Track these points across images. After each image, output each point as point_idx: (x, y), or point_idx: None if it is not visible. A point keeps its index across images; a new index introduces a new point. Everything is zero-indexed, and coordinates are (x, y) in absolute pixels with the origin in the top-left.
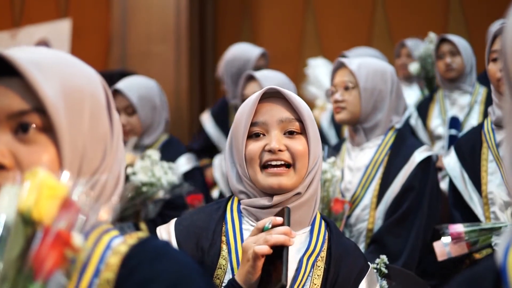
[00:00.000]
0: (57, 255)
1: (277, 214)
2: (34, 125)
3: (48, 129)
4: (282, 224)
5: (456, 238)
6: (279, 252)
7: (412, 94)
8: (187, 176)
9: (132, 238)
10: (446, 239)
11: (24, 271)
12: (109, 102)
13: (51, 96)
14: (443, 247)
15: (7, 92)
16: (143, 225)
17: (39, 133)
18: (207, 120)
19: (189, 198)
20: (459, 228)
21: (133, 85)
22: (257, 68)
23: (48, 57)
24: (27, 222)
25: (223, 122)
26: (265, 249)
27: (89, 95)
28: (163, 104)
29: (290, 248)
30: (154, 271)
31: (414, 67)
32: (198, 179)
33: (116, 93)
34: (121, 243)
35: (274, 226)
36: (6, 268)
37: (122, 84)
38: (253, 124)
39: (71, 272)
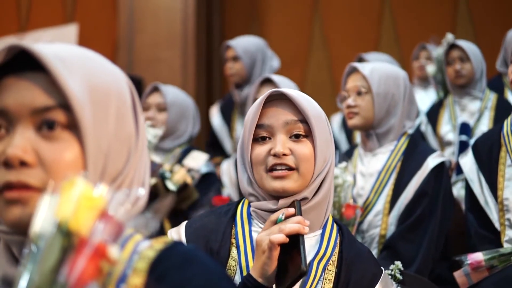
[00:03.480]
0: (93, 267)
1: (288, 207)
2: (58, 122)
3: (72, 126)
4: (294, 216)
5: (476, 268)
6: (293, 242)
7: (426, 98)
8: (203, 178)
9: (159, 242)
10: (466, 269)
11: (58, 283)
12: (135, 104)
13: (77, 92)
14: (464, 277)
15: (32, 87)
16: (167, 224)
17: (63, 130)
18: (214, 113)
19: (215, 199)
20: (478, 257)
21: (171, 89)
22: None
23: (73, 53)
24: (64, 233)
25: (228, 117)
26: (281, 237)
27: (115, 94)
28: (194, 119)
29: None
30: (184, 277)
31: (431, 69)
32: (212, 183)
33: (154, 90)
34: (148, 248)
35: (287, 217)
36: (40, 280)
37: (162, 85)
38: (259, 126)
39: (107, 284)
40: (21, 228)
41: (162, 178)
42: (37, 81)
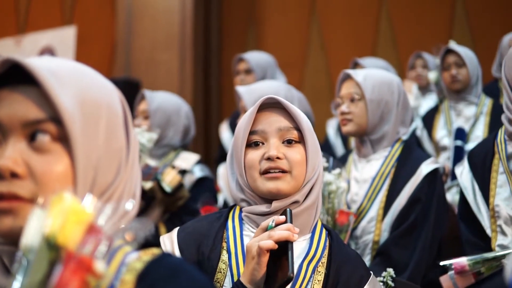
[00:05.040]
0: (79, 281)
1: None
2: (49, 135)
3: (63, 139)
4: (284, 223)
5: (461, 272)
6: (283, 249)
7: (425, 105)
8: (198, 183)
9: (147, 254)
10: (451, 273)
11: None
12: (126, 117)
13: (67, 106)
14: (450, 281)
15: (23, 100)
16: (162, 228)
17: (54, 142)
18: (224, 130)
19: (203, 210)
20: (462, 261)
21: (160, 95)
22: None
23: (65, 68)
24: (52, 247)
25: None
26: (270, 243)
27: (106, 108)
28: (184, 126)
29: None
30: None
31: (433, 76)
32: (208, 187)
33: (142, 98)
34: (136, 260)
35: (277, 225)
36: None
37: (149, 92)
38: (252, 132)
39: None
40: (12, 238)
41: (158, 180)
42: (29, 94)
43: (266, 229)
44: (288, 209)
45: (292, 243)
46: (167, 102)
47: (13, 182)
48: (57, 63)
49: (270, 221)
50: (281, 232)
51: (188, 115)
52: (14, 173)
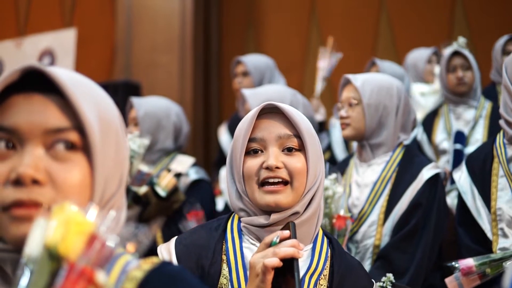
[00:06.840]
0: None
1: (282, 229)
2: (68, 143)
3: (82, 148)
4: (288, 238)
5: (467, 273)
6: (287, 265)
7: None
8: (193, 185)
9: (147, 263)
10: (457, 274)
11: None
12: (123, 131)
13: (90, 116)
14: (455, 282)
15: (44, 108)
16: (158, 233)
17: (73, 151)
18: (223, 132)
19: (189, 215)
20: (469, 262)
21: (148, 100)
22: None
23: (80, 80)
24: (53, 257)
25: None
26: (275, 261)
27: (114, 122)
28: (175, 127)
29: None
30: None
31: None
32: (203, 190)
33: (131, 105)
34: (136, 268)
35: (281, 240)
36: None
37: (137, 99)
38: (251, 140)
39: None
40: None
41: (152, 185)
42: (49, 102)
43: (270, 245)
44: (291, 223)
45: (297, 260)
46: (155, 107)
47: (33, 189)
48: (73, 75)
49: (274, 236)
50: (286, 249)
51: (178, 115)
52: (35, 180)
